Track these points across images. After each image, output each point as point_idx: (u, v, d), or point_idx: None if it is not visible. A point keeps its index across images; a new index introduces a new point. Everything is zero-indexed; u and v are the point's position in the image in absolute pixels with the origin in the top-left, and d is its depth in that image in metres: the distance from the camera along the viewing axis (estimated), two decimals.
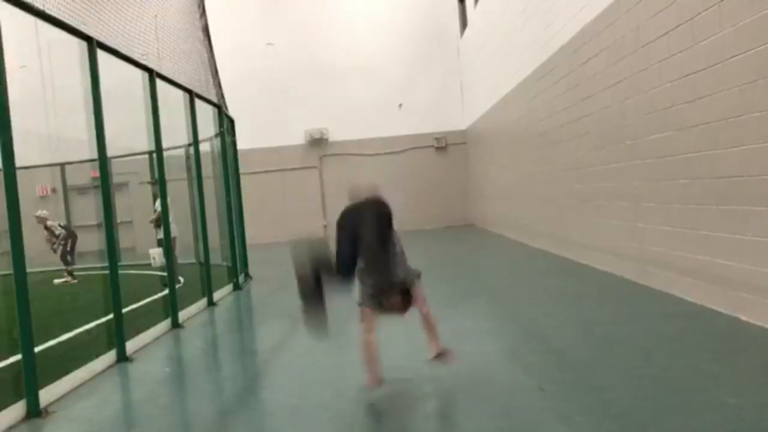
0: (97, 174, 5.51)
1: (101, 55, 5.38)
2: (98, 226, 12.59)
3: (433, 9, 18.72)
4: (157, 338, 6.10)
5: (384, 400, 3.90)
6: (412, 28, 18.67)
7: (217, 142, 9.58)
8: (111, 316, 5.38)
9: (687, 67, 5.46)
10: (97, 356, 5.07)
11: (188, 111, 7.92)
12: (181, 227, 9.74)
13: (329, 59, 18.31)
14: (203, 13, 9.78)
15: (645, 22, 6.17)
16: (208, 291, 7.94)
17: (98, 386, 4.62)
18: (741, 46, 4.68)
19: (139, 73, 6.46)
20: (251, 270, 10.54)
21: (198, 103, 8.12)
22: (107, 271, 5.38)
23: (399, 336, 4.76)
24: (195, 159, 8.16)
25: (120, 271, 5.45)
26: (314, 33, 18.41)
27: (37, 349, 4.17)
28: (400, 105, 18.62)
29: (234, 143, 10.49)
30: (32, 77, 11.54)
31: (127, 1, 6.68)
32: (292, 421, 3.60)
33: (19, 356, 4.05)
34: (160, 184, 7.03)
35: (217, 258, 9.22)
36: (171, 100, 7.48)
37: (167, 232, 7.85)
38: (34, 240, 10.02)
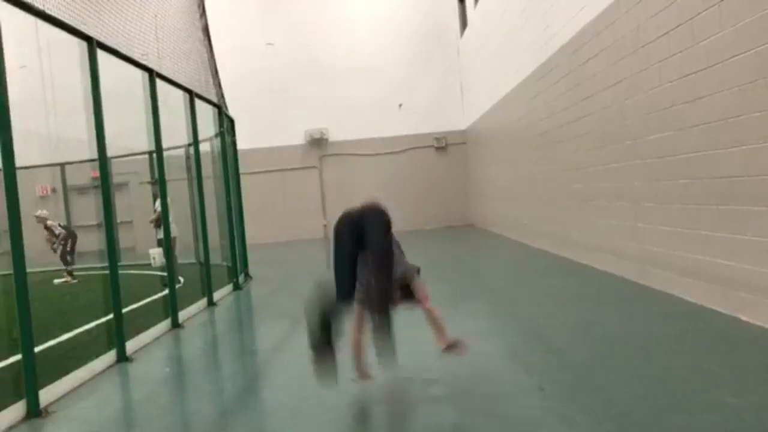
0: (97, 174, 5.52)
1: (101, 55, 5.38)
2: (98, 226, 12.60)
3: (433, 9, 18.72)
4: (157, 338, 6.10)
5: (384, 400, 3.90)
6: (412, 28, 18.67)
7: (217, 142, 9.58)
8: (111, 316, 5.38)
9: (687, 67, 5.46)
10: (97, 356, 5.07)
11: (188, 111, 7.92)
12: (181, 227, 9.74)
13: (329, 59, 18.31)
14: (203, 13, 9.79)
15: (645, 22, 6.17)
16: (208, 291, 7.94)
17: (98, 386, 4.62)
18: (741, 46, 4.68)
19: (139, 73, 6.47)
20: (251, 270, 10.55)
21: (198, 103, 8.13)
22: (107, 271, 5.38)
23: (399, 336, 4.75)
24: (195, 159, 8.16)
25: (120, 271, 5.45)
26: (314, 33, 18.41)
27: (37, 349, 4.17)
28: (400, 105, 18.62)
29: (234, 143, 10.49)
30: (32, 77, 11.54)
31: (127, 1, 6.68)
32: (292, 421, 3.59)
33: (19, 356, 4.05)
34: (160, 184, 7.03)
35: (217, 258, 9.22)
36: (171, 100, 7.48)
37: (167, 232, 7.85)
38: (34, 240, 10.02)
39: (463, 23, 17.87)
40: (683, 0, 5.45)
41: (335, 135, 18.62)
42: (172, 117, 7.55)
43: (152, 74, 6.57)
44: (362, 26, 18.51)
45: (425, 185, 18.58)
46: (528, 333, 5.24)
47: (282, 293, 8.86)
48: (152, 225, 10.27)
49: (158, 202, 8.93)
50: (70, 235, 11.98)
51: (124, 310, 5.48)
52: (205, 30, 9.74)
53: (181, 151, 9.66)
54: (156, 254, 11.45)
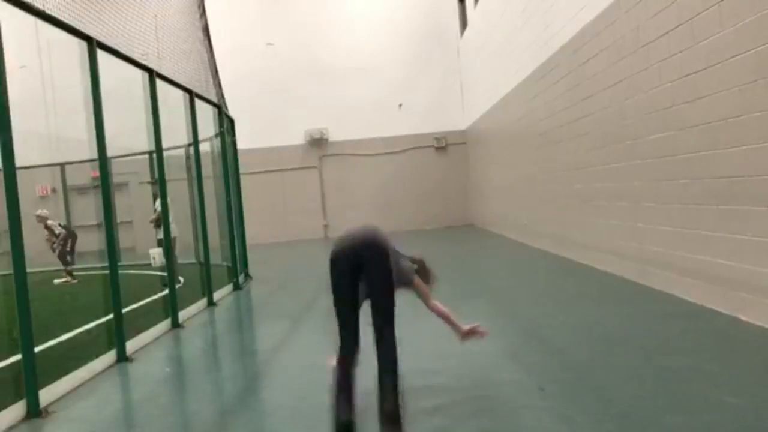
0: (97, 174, 5.52)
1: (101, 55, 5.39)
2: (98, 226, 12.61)
3: (433, 9, 18.72)
4: (157, 338, 6.10)
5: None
6: (412, 28, 18.67)
7: (217, 142, 9.58)
8: (111, 316, 5.38)
9: (687, 67, 5.46)
10: (97, 356, 5.07)
11: (188, 111, 7.92)
12: (181, 227, 9.75)
13: (329, 59, 18.31)
14: (203, 13, 9.78)
15: (645, 22, 6.17)
16: (208, 291, 7.94)
17: (98, 386, 4.62)
18: (741, 46, 4.68)
19: (139, 73, 6.47)
20: (251, 270, 10.55)
21: (198, 103, 8.13)
22: (107, 271, 5.38)
23: (399, 336, 4.74)
24: (195, 159, 8.16)
25: (120, 271, 5.45)
26: (314, 33, 18.41)
27: (37, 349, 4.17)
28: (400, 105, 18.62)
29: (234, 143, 10.49)
30: (32, 77, 11.55)
31: (127, 1, 6.68)
32: (292, 421, 3.60)
33: (19, 356, 4.06)
34: (160, 184, 7.03)
35: (217, 258, 9.22)
36: (171, 100, 7.48)
37: (167, 232, 7.85)
38: (34, 240, 10.02)
39: (463, 23, 17.87)
40: (683, 0, 5.45)
41: (335, 135, 18.62)
42: (172, 117, 7.55)
43: (152, 74, 6.57)
44: (362, 26, 18.51)
45: (425, 185, 18.58)
46: (528, 333, 5.23)
47: (282, 293, 8.86)
48: (152, 225, 10.28)
49: (158, 202, 8.93)
50: (70, 235, 11.97)
51: (124, 310, 5.48)
52: (205, 30, 9.74)
53: (181, 151, 9.66)
54: (156, 254, 11.45)
